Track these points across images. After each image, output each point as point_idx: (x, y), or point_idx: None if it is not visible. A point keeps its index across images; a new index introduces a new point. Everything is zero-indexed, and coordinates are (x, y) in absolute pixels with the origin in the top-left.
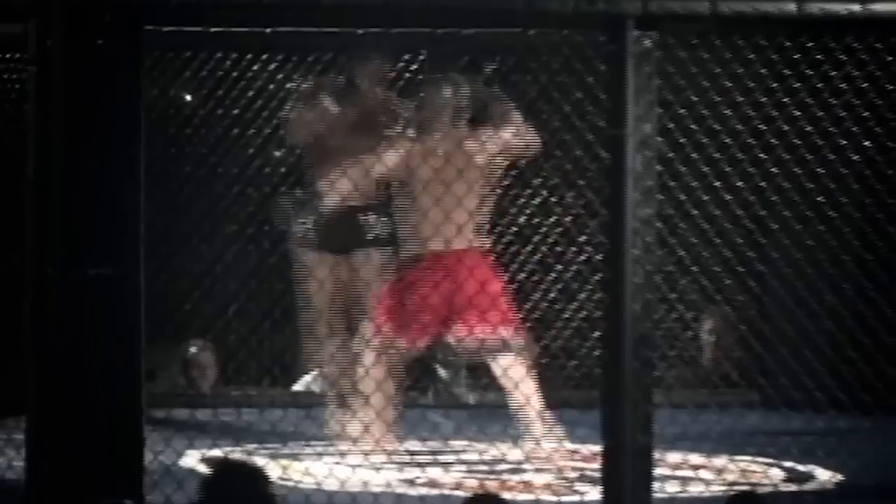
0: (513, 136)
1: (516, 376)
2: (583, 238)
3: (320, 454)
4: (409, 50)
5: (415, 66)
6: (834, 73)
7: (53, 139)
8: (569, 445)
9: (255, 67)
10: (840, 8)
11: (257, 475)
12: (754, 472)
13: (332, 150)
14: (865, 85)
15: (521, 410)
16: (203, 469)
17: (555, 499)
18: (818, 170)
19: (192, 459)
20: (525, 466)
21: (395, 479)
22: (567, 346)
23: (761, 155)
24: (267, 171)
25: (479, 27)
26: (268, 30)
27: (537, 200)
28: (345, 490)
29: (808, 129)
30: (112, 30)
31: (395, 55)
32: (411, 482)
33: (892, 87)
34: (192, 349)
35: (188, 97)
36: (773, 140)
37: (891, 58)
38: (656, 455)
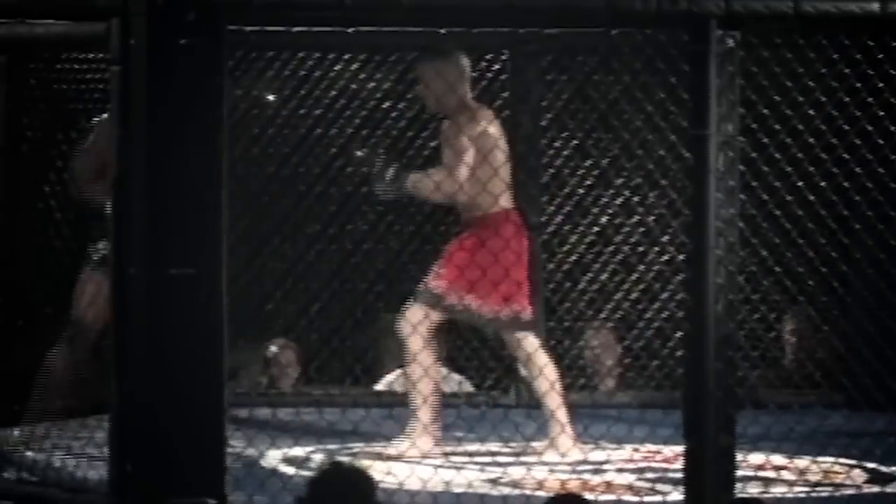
0: None
1: (538, 361)
2: (665, 238)
3: (402, 454)
4: (492, 50)
5: (498, 66)
6: None
7: (136, 139)
8: (649, 446)
9: (338, 67)
10: None
11: (364, 478)
12: (837, 473)
13: None
14: None
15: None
16: (287, 469)
17: (636, 499)
18: None
19: (274, 459)
20: (606, 467)
21: (478, 478)
22: (649, 346)
23: (844, 155)
24: (349, 170)
25: (561, 27)
26: (350, 30)
27: (619, 200)
28: (427, 490)
29: (893, 128)
30: (195, 29)
31: (478, 55)
32: (494, 482)
33: None
34: (274, 348)
35: (271, 97)
36: (856, 140)
37: None
38: (738, 456)
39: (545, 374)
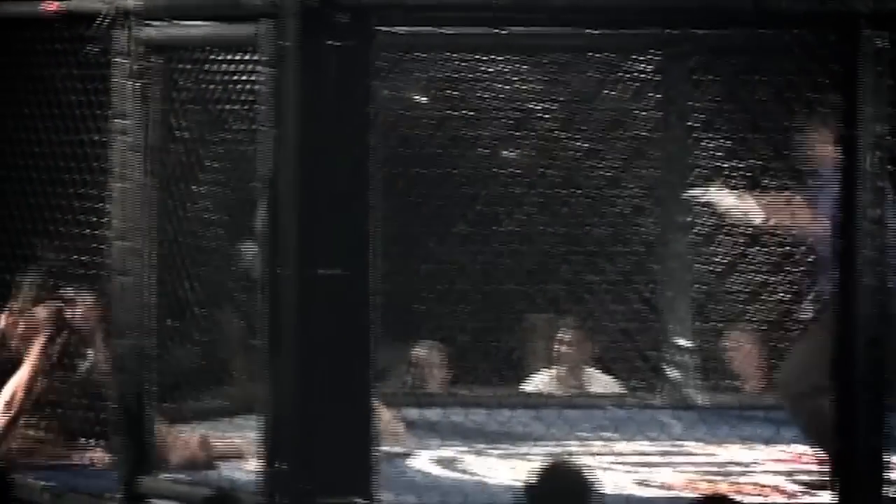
0: None
1: None
2: (811, 239)
3: (549, 455)
4: (641, 50)
5: (649, 67)
6: None
7: (287, 140)
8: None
9: (489, 69)
10: None
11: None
12: None
13: None
14: None
15: None
16: (434, 469)
17: (785, 500)
18: None
19: (423, 459)
20: (754, 468)
21: (627, 480)
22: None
23: None
24: (496, 171)
25: (710, 28)
26: (502, 30)
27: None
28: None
29: None
30: (345, 31)
31: (627, 55)
32: (642, 483)
33: None
34: (422, 349)
35: (420, 98)
36: None
37: None
38: (890, 458)
39: None
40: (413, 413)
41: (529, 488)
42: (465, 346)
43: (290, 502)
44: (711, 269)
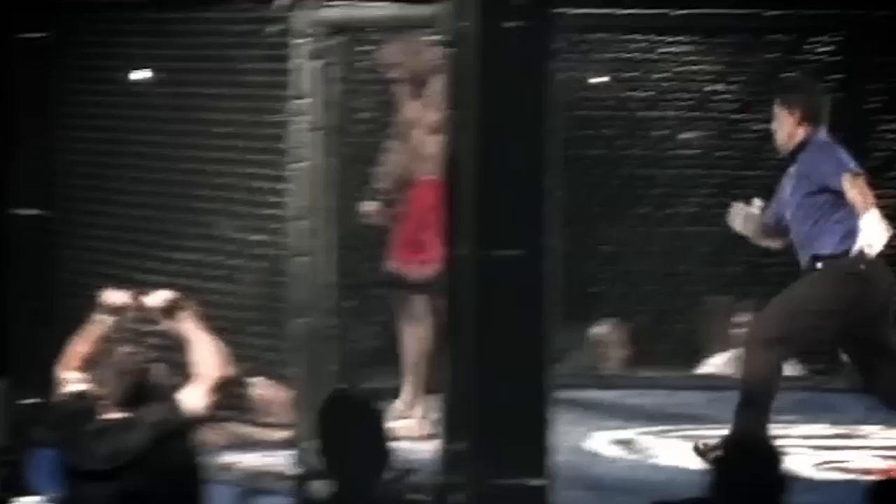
0: None
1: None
2: None
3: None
4: (820, 32)
5: (831, 48)
6: None
7: (467, 121)
8: None
9: (667, 50)
10: None
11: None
12: None
13: None
14: None
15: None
16: (612, 451)
17: None
18: None
19: (599, 441)
20: None
21: (807, 463)
22: None
23: None
24: (674, 152)
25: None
26: (680, 11)
27: None
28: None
29: None
30: (524, 13)
31: (807, 36)
32: (822, 466)
33: None
34: (600, 330)
35: (599, 79)
36: None
37: None
38: None
39: None
40: (590, 395)
41: (721, 465)
42: (642, 327)
43: (468, 482)
44: None
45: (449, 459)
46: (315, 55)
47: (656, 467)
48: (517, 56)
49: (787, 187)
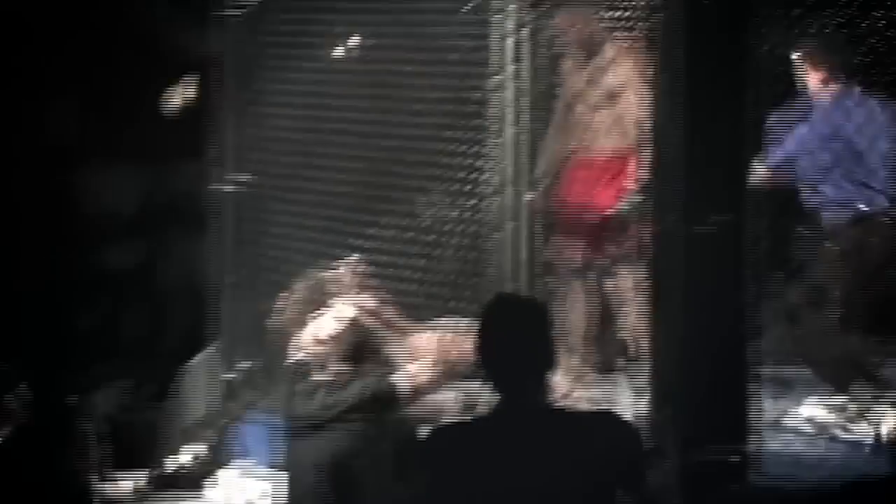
0: None
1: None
2: None
3: None
4: None
5: None
6: None
7: (674, 89)
8: None
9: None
10: None
11: None
12: None
13: None
14: None
15: None
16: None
17: None
18: None
19: (802, 416)
20: None
21: None
22: None
23: None
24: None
25: None
26: None
27: None
28: None
29: None
30: None
31: None
32: None
33: None
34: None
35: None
36: None
37: None
38: None
39: None
40: (793, 370)
41: None
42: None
43: (674, 448)
44: None
45: (658, 426)
46: (515, 30)
47: (854, 445)
48: (719, 29)
49: None
